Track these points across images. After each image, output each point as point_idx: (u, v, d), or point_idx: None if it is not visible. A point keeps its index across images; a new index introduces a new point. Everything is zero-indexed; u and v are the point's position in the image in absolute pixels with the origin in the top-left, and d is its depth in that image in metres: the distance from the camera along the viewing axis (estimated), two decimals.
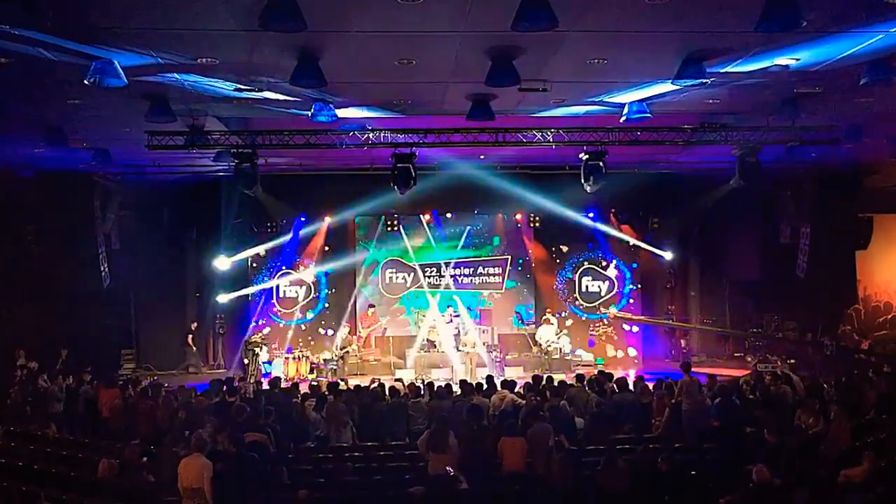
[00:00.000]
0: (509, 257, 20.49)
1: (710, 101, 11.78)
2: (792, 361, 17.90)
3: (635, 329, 20.39)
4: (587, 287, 20.66)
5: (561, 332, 19.34)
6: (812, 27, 7.83)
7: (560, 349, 18.96)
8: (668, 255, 20.19)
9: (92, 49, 8.45)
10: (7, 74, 9.27)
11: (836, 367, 16.48)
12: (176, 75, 9.79)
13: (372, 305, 19.97)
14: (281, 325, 20.03)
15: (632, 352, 20.24)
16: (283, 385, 13.38)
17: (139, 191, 18.26)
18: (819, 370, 16.33)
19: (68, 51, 8.46)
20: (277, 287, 20.24)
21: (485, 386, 12.68)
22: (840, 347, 17.74)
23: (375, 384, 13.16)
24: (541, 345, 18.95)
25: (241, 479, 8.54)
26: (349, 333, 19.35)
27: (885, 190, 18.56)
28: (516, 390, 12.40)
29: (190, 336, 19.82)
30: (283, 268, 20.21)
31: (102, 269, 17.86)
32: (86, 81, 8.67)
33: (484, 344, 18.95)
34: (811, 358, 18.04)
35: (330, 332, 19.99)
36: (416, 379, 16.08)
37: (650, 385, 12.60)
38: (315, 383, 14.24)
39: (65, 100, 10.70)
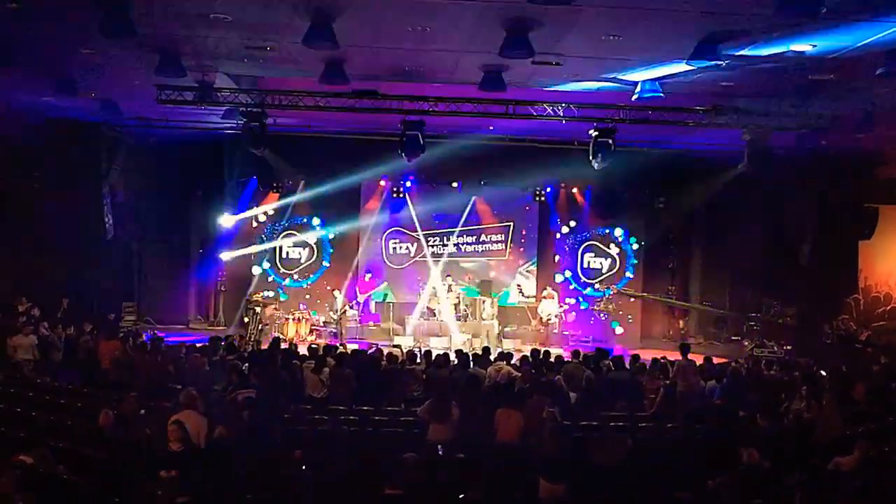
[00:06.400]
0: (512, 224, 20.46)
1: (724, 83, 11.69)
2: (788, 347, 17.95)
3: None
4: (589, 263, 20.68)
5: (562, 306, 19.42)
6: (831, 14, 7.75)
7: (559, 324, 19.02)
8: None
9: None
10: (17, 19, 9.21)
11: (834, 355, 16.52)
12: (188, 30, 9.72)
13: (370, 271, 19.96)
14: (283, 285, 20.08)
15: (630, 330, 20.28)
16: (281, 345, 13.43)
17: (146, 144, 18.19)
18: (816, 358, 16.36)
19: None
20: (281, 247, 20.27)
21: (481, 357, 12.74)
22: (839, 336, 17.77)
23: (373, 349, 13.22)
24: (541, 318, 18.99)
25: (236, 437, 8.59)
26: (347, 298, 19.36)
27: (892, 181, 18.49)
28: (512, 362, 12.45)
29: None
30: (287, 229, 20.26)
31: (107, 220, 17.87)
32: (100, 32, 8.61)
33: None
34: (809, 345, 18.07)
35: (335, 291, 19.97)
36: (414, 346, 16.15)
37: (646, 364, 12.66)
38: (314, 346, 14.29)
39: (76, 49, 10.64)
